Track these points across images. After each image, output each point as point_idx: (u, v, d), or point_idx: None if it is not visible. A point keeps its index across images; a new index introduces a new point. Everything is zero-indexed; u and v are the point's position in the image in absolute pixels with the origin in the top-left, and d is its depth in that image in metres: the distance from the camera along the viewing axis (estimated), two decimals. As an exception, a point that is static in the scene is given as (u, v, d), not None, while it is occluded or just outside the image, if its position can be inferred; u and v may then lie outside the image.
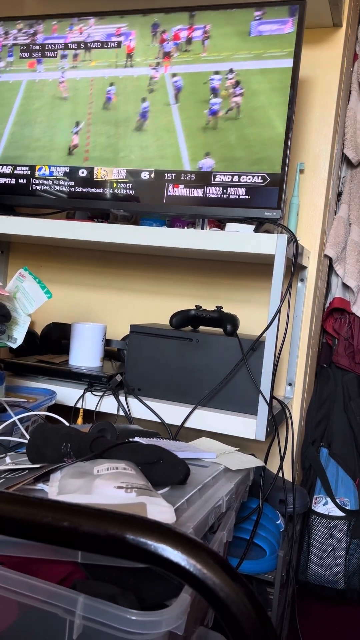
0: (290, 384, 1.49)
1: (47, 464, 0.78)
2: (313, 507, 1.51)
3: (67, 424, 1.00)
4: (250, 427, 1.19)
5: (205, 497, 0.82)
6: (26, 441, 0.88)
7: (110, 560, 0.63)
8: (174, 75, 1.29)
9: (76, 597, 0.61)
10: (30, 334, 1.57)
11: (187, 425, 1.23)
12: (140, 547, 0.50)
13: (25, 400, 1.14)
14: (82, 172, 1.37)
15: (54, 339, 1.58)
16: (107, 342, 1.57)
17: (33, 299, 1.15)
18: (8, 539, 0.66)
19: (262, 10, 1.23)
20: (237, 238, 1.18)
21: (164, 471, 0.77)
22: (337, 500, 1.49)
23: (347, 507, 1.49)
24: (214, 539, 0.82)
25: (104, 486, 0.67)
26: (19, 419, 0.96)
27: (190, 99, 1.28)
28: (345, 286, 1.55)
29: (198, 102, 1.27)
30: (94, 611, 0.60)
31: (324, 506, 1.50)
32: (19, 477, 0.75)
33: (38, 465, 0.77)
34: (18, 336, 1.13)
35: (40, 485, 0.74)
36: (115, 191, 1.34)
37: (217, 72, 1.26)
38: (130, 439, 1.00)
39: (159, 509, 0.64)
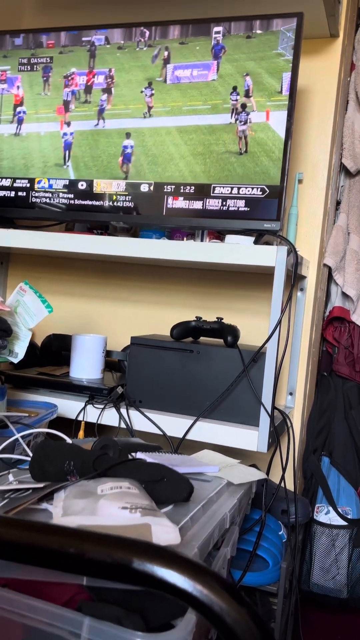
0: (291, 393, 1.49)
1: (51, 483, 0.78)
2: (315, 517, 1.51)
3: (69, 440, 1.00)
4: (252, 438, 1.19)
5: (209, 514, 0.82)
6: (28, 458, 0.89)
7: (121, 584, 0.63)
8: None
9: (82, 620, 0.61)
10: (30, 345, 1.56)
11: (188, 437, 1.23)
12: (147, 574, 0.50)
13: (27, 415, 1.14)
14: (82, 185, 1.37)
15: (54, 350, 1.58)
16: (108, 353, 1.58)
17: (34, 313, 1.15)
18: (12, 561, 0.66)
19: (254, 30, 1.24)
20: (237, 250, 1.18)
21: (168, 489, 0.77)
22: (339, 509, 1.49)
23: (349, 516, 1.49)
24: (218, 555, 0.82)
25: (108, 507, 0.67)
26: (21, 435, 0.96)
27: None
28: (345, 295, 1.56)
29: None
30: (99, 633, 0.60)
31: (326, 515, 1.50)
32: (23, 497, 0.75)
33: (42, 485, 0.77)
34: (19, 351, 1.13)
35: (44, 505, 0.74)
36: (115, 203, 1.35)
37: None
38: (133, 454, 1.00)
39: (164, 530, 0.64)
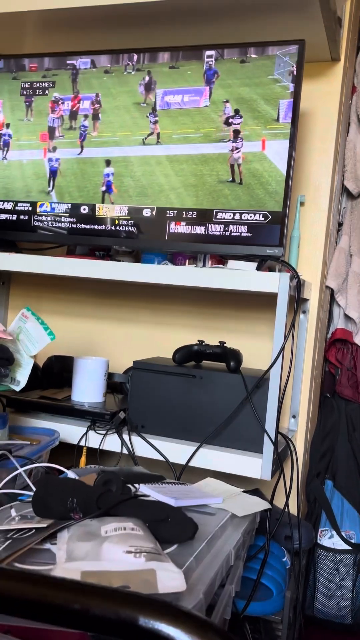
0: (294, 416, 1.49)
1: (54, 523, 0.77)
2: (319, 541, 1.49)
3: (69, 474, 0.99)
4: (256, 466, 1.18)
5: (214, 552, 0.81)
6: (30, 493, 0.88)
7: None
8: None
9: (86, 670, 0.60)
10: (32, 367, 1.56)
11: (191, 464, 1.22)
12: (153, 632, 0.49)
13: (29, 443, 1.13)
14: (84, 209, 1.37)
15: (55, 372, 1.57)
16: (110, 376, 1.57)
17: (36, 341, 1.14)
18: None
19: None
20: (240, 276, 1.18)
21: (172, 529, 0.76)
22: (343, 534, 1.48)
23: (353, 540, 1.48)
24: (223, 593, 0.81)
25: (113, 551, 0.66)
26: (21, 466, 0.95)
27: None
28: (347, 317, 1.55)
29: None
30: None
31: (330, 539, 1.48)
32: (26, 537, 0.74)
33: (45, 525, 0.77)
34: (21, 379, 1.12)
35: (48, 545, 0.74)
36: (117, 228, 1.35)
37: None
38: (135, 485, 0.99)
39: (169, 576, 0.63)
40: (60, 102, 1.36)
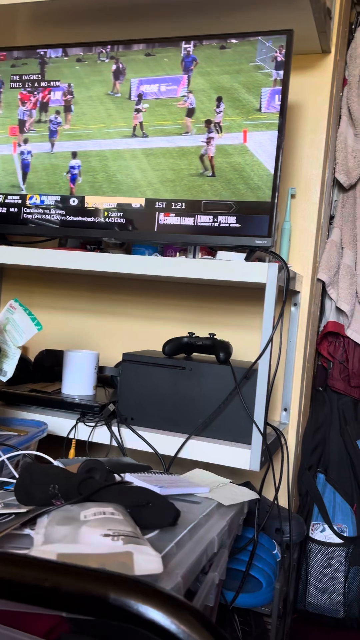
0: (285, 409, 1.48)
1: (34, 508, 0.77)
2: (310, 534, 1.49)
3: (54, 462, 0.99)
4: (244, 457, 1.17)
5: (197, 539, 0.80)
6: (14, 481, 0.87)
7: (99, 618, 0.61)
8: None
9: (61, 652, 0.60)
10: (23, 361, 1.56)
11: (180, 455, 1.21)
12: (123, 608, 0.49)
13: (16, 434, 1.12)
14: (73, 201, 1.37)
15: (47, 366, 1.57)
16: (100, 369, 1.57)
17: (23, 331, 1.14)
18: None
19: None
20: (228, 267, 1.18)
21: (153, 515, 0.75)
22: (335, 527, 1.47)
23: (345, 534, 1.47)
24: (206, 580, 0.80)
25: (90, 534, 0.66)
26: (8, 458, 0.95)
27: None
28: (339, 310, 1.55)
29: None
30: (79, 667, 0.59)
31: (322, 533, 1.48)
32: (6, 522, 0.74)
33: (25, 509, 0.76)
34: (8, 369, 1.12)
35: (27, 531, 0.73)
36: (107, 219, 1.34)
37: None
38: (121, 474, 0.99)
39: (146, 558, 0.63)
40: (31, 92, 1.32)
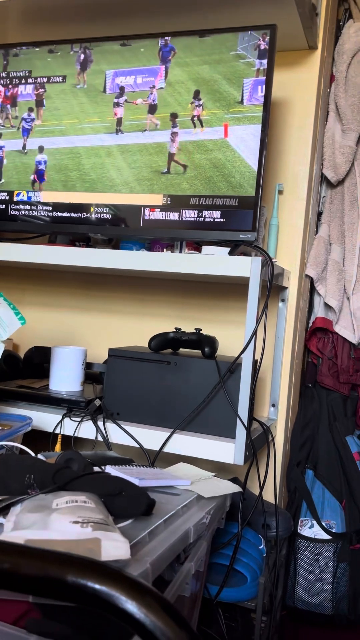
0: (273, 405, 1.48)
1: (8, 497, 0.77)
2: (299, 531, 1.48)
3: (32, 454, 0.99)
4: (229, 451, 1.17)
5: (172, 529, 0.80)
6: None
7: (58, 600, 0.61)
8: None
9: (27, 638, 0.60)
10: (13, 357, 1.56)
11: (165, 450, 1.21)
12: (81, 590, 0.49)
13: (0, 428, 1.13)
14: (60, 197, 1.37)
15: (36, 363, 1.57)
16: (89, 366, 1.57)
17: (7, 325, 1.14)
18: None
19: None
20: (212, 261, 1.18)
21: (126, 503, 0.75)
22: (323, 523, 1.47)
23: (334, 530, 1.47)
24: (181, 570, 0.80)
25: (60, 521, 0.66)
26: (-13, 449, 0.95)
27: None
28: (328, 306, 1.55)
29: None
30: (45, 652, 0.59)
31: (310, 529, 1.47)
32: (-21, 511, 0.74)
33: (-1, 499, 0.76)
34: (-8, 363, 1.12)
35: (0, 520, 0.73)
36: (94, 215, 1.35)
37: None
38: (102, 467, 0.99)
39: (114, 545, 0.63)
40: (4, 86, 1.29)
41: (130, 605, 0.48)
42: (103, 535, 0.64)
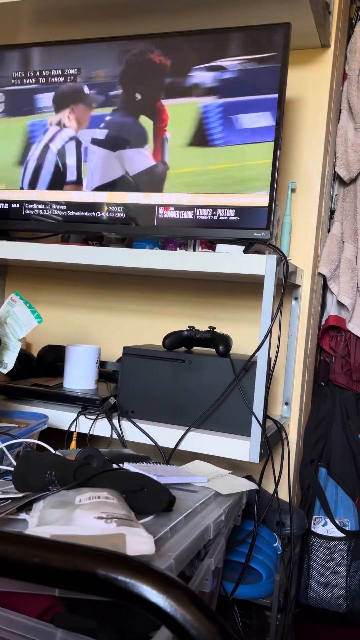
0: (286, 403, 1.48)
1: (31, 493, 0.78)
2: (312, 528, 1.49)
3: (53, 451, 1.00)
4: (244, 449, 1.18)
5: (192, 525, 0.81)
6: (13, 469, 0.88)
7: (86, 594, 0.62)
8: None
9: (54, 632, 0.60)
10: (26, 356, 1.57)
11: (180, 447, 1.22)
12: (111, 583, 0.49)
13: (17, 426, 1.13)
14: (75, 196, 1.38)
15: (49, 361, 1.58)
16: (102, 364, 1.57)
17: (24, 324, 1.15)
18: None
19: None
20: (227, 259, 1.18)
21: (147, 499, 0.76)
22: (337, 521, 1.47)
23: (347, 528, 1.47)
24: (201, 566, 0.81)
25: (84, 516, 0.67)
26: (7, 446, 0.96)
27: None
28: (340, 304, 1.55)
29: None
30: (72, 646, 0.59)
31: (324, 527, 1.47)
32: (2, 506, 0.74)
33: (21, 495, 0.77)
34: (9, 361, 1.13)
35: (22, 515, 0.74)
36: (108, 214, 1.35)
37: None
38: (120, 464, 0.99)
39: (138, 540, 0.63)
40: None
41: (161, 599, 0.48)
42: (127, 530, 0.64)
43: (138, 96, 1.33)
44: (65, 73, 1.39)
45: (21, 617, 0.61)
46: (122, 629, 0.65)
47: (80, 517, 0.67)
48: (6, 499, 0.77)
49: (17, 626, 0.61)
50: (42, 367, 1.58)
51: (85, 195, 1.37)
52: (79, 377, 1.40)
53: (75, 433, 1.29)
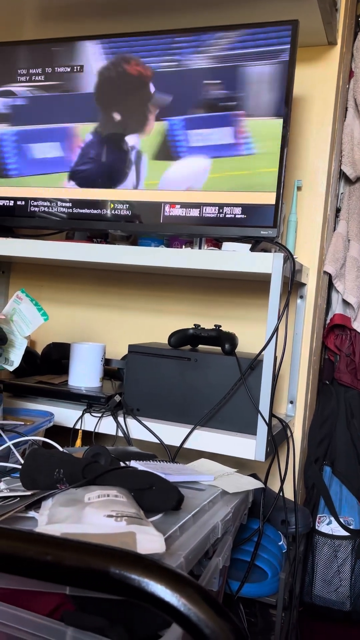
0: (291, 402, 1.48)
1: (39, 491, 0.78)
2: (317, 527, 1.49)
3: (60, 449, 1.00)
4: (250, 447, 1.17)
5: (200, 523, 0.81)
6: (20, 467, 0.88)
7: (98, 592, 0.62)
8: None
9: (64, 630, 0.60)
10: (31, 354, 1.57)
11: (186, 446, 1.22)
12: (124, 582, 0.49)
13: (23, 423, 1.13)
14: (80, 193, 1.37)
15: (54, 359, 1.57)
16: (107, 362, 1.57)
17: (30, 321, 1.15)
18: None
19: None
20: (234, 257, 1.18)
21: (156, 498, 0.76)
22: (341, 520, 1.47)
23: (352, 527, 1.47)
24: (209, 565, 0.81)
25: (94, 515, 0.66)
26: (14, 444, 0.95)
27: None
28: (346, 302, 1.55)
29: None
30: (82, 644, 0.59)
31: (328, 526, 1.47)
32: (11, 504, 0.74)
33: (30, 493, 0.77)
34: (15, 359, 1.13)
35: (31, 513, 0.74)
36: (113, 212, 1.35)
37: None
38: (127, 462, 0.99)
39: (149, 538, 0.63)
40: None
41: (174, 598, 0.48)
42: (137, 529, 0.64)
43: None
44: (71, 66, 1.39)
45: (32, 615, 0.61)
46: (132, 627, 0.64)
47: (90, 515, 0.66)
48: (15, 496, 0.77)
49: (27, 624, 0.61)
50: (47, 364, 1.58)
51: (90, 192, 1.36)
52: (84, 374, 1.39)
53: (80, 431, 1.29)
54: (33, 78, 1.42)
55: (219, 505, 0.92)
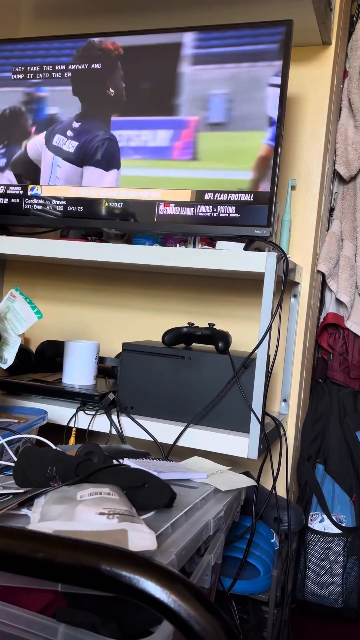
0: (285, 400, 1.49)
1: (32, 489, 0.78)
2: (309, 524, 1.49)
3: (53, 446, 1.00)
4: (243, 445, 1.18)
5: (192, 521, 0.81)
6: (13, 464, 0.88)
7: (90, 589, 0.62)
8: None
9: (56, 627, 0.61)
10: (25, 352, 1.57)
11: (179, 444, 1.22)
12: (115, 579, 0.50)
13: (16, 421, 1.13)
14: (74, 191, 1.38)
15: (48, 357, 1.58)
16: (101, 360, 1.57)
17: (23, 319, 1.15)
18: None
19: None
20: (227, 256, 1.18)
21: (149, 495, 0.76)
22: (334, 517, 1.48)
23: (344, 524, 1.48)
24: (201, 562, 0.81)
25: (86, 512, 0.67)
26: (7, 442, 0.96)
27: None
28: (339, 301, 1.55)
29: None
30: (74, 641, 0.60)
31: (320, 523, 1.48)
32: (4, 502, 0.75)
33: (23, 490, 0.77)
34: (8, 357, 1.13)
35: (24, 511, 0.74)
36: (107, 210, 1.35)
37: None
38: (120, 460, 1.00)
39: (140, 536, 0.64)
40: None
41: (165, 595, 0.48)
42: (129, 526, 0.65)
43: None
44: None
45: (24, 612, 0.62)
46: (124, 623, 0.65)
47: (82, 513, 0.67)
48: (7, 494, 0.77)
49: (19, 621, 0.62)
50: (41, 362, 1.58)
51: (84, 191, 1.37)
52: (78, 372, 1.40)
53: (74, 429, 1.30)
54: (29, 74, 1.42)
55: (212, 502, 0.92)
